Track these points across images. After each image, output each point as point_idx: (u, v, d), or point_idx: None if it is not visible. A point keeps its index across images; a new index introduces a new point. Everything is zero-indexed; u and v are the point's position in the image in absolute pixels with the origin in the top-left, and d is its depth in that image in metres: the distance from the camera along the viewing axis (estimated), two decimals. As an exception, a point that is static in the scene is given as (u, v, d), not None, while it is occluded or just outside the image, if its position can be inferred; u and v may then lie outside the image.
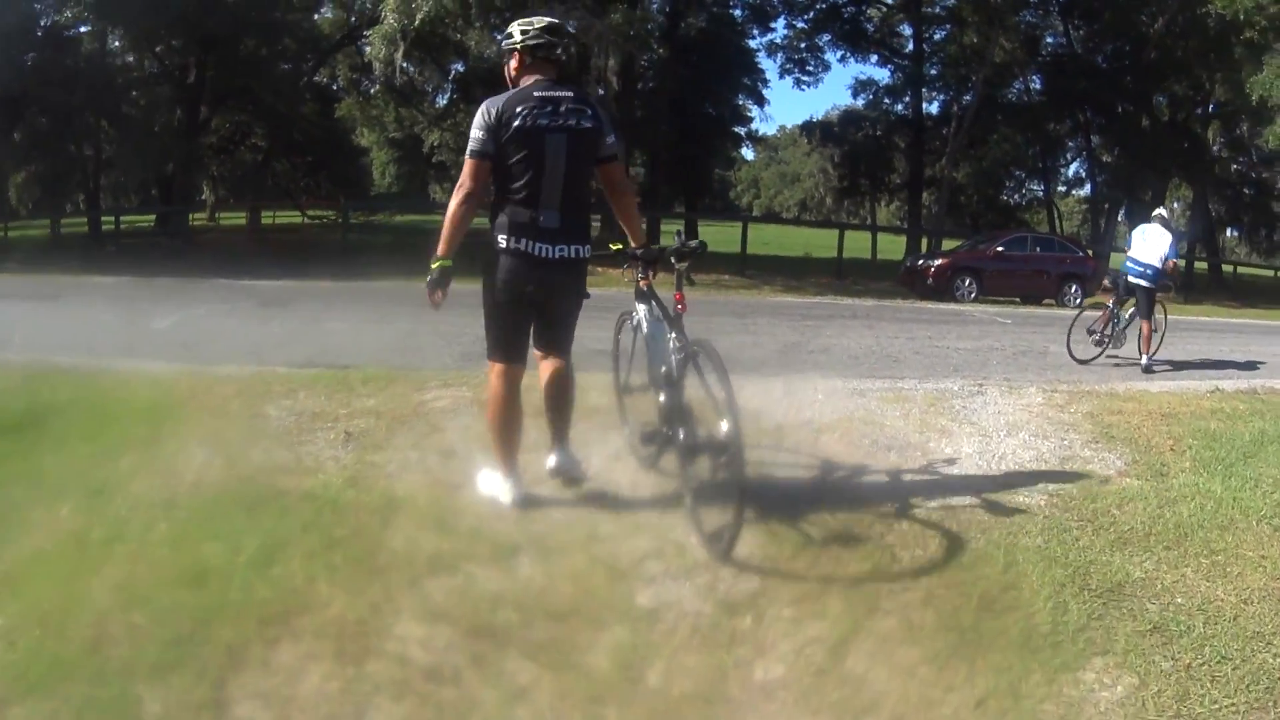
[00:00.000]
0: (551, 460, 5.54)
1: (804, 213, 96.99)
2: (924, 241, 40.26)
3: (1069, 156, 54.45)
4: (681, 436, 5.10)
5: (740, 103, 51.71)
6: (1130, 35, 43.07)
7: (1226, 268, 47.93)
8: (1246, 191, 50.44)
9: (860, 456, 7.02)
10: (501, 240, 5.06)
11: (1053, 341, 14.48)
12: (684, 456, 5.13)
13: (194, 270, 24.26)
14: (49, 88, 34.23)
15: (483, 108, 5.01)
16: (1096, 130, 48.39)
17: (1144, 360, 13.32)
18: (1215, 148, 47.58)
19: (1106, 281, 14.53)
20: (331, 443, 6.71)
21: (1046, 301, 27.54)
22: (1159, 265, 13.48)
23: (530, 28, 5.13)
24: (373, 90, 51.27)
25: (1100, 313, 13.92)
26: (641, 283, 5.74)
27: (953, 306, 23.65)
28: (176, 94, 40.40)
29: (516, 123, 4.91)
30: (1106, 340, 13.68)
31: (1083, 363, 13.09)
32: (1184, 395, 9.64)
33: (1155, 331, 13.76)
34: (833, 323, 16.47)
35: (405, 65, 39.27)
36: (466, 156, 5.03)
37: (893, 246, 41.05)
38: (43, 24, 36.95)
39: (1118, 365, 13.27)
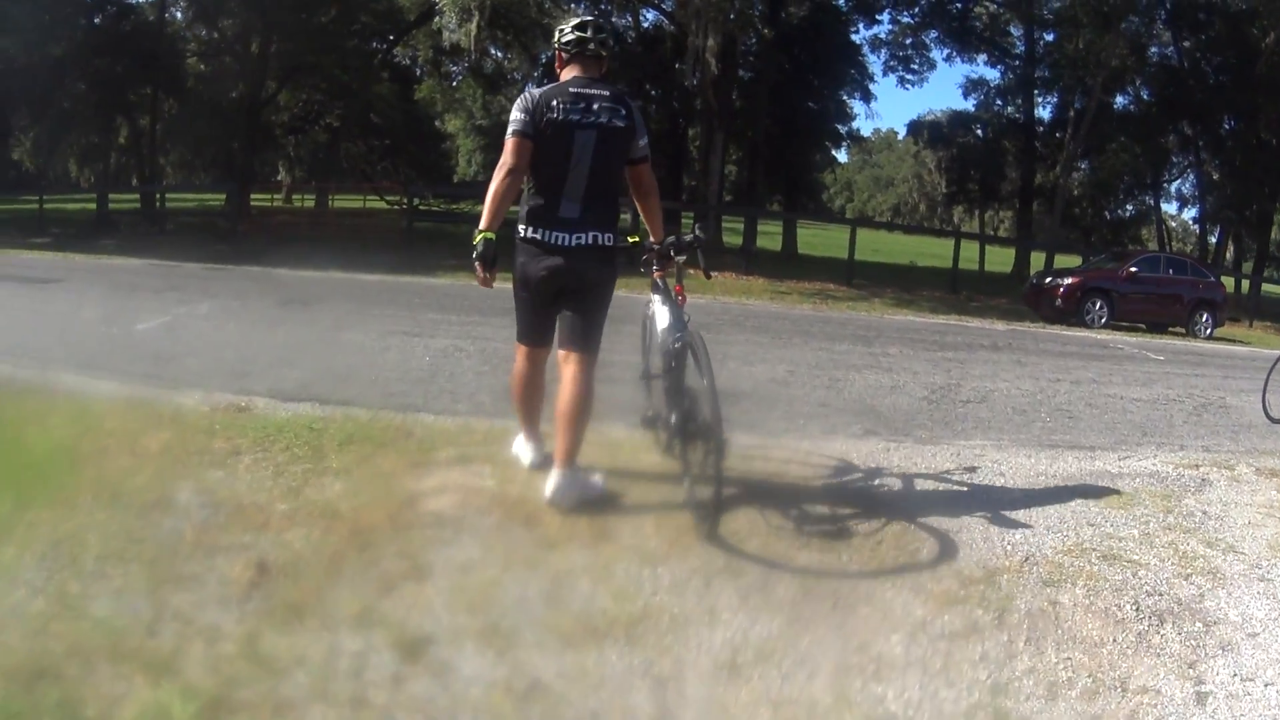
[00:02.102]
0: (550, 484, 5.08)
1: (896, 218, 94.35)
2: (1034, 256, 37.30)
3: (1173, 172, 50.89)
4: (674, 420, 5.27)
5: (843, 98, 48.54)
6: (1240, 48, 40.02)
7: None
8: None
9: (1129, 642, 4.30)
10: (522, 229, 5.17)
11: (1223, 390, 12.10)
12: (681, 440, 5.27)
13: (234, 256, 22.26)
14: (95, 54, 32.20)
15: (524, 93, 5.20)
16: (1204, 146, 45.19)
17: None
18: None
19: None
20: (228, 586, 4.05)
21: (1174, 330, 24.68)
22: None
23: (566, 27, 5.28)
24: (459, 76, 49.54)
25: None
26: (656, 274, 5.84)
27: (1090, 334, 20.75)
28: (239, 67, 37.98)
29: (550, 115, 5.01)
30: None
31: (1276, 422, 10.31)
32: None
33: None
34: (975, 356, 13.61)
35: (490, 48, 37.88)
36: (508, 136, 5.09)
37: (997, 258, 38.55)
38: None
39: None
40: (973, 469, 6.57)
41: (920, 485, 6.03)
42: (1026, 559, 4.98)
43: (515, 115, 5.09)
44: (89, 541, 4.34)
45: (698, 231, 5.81)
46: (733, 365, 9.91)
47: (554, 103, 5.04)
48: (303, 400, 7.07)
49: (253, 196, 35.88)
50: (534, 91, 5.17)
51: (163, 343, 9.97)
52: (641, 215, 5.75)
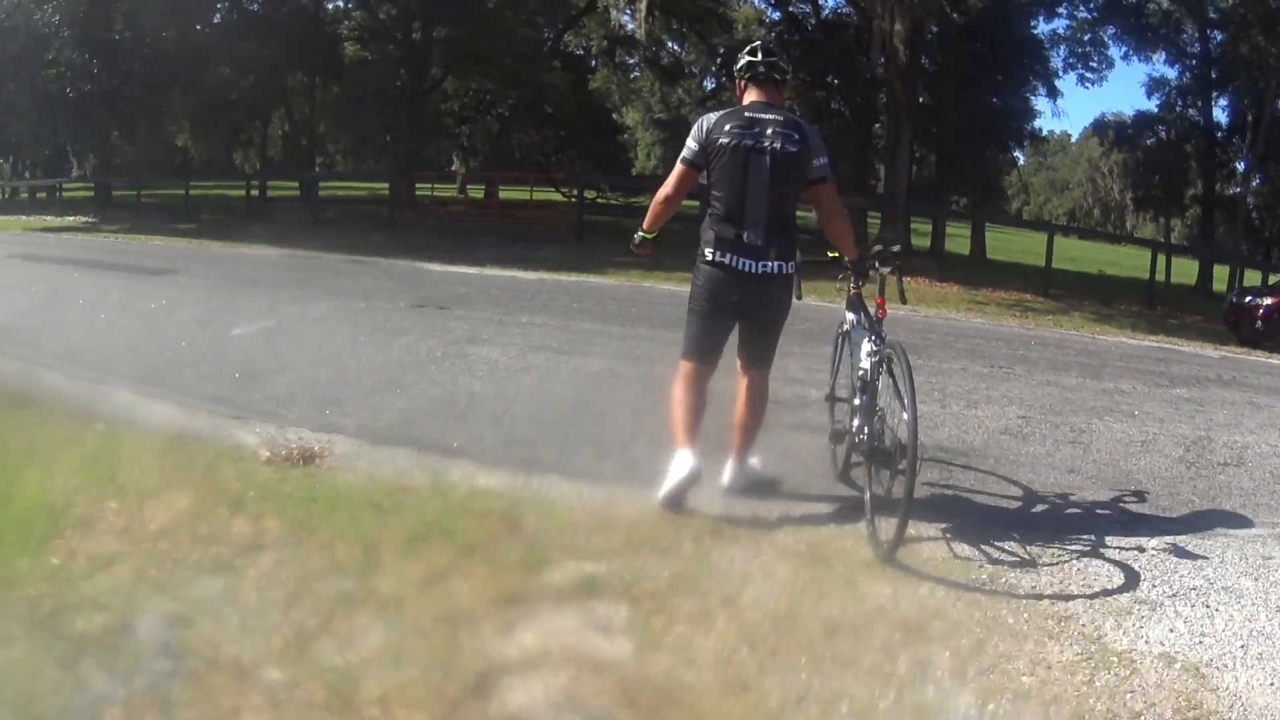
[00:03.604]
0: (726, 475, 5.31)
1: (1072, 223, 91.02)
2: (1215, 268, 34.83)
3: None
4: (865, 438, 4.99)
5: (1027, 95, 45.75)
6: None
7: None
8: None
9: None
10: (707, 253, 5.17)
11: None
12: (868, 458, 4.99)
13: (386, 247, 20.80)
14: (240, 38, 32.05)
15: (699, 121, 5.32)
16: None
17: None
18: None
19: None
20: None
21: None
22: None
23: (743, 54, 5.41)
24: (635, 68, 48.22)
25: None
26: (852, 291, 5.63)
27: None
28: (400, 53, 36.96)
29: (722, 140, 5.10)
30: None
31: None
32: None
33: None
34: (1209, 394, 11.22)
35: (665, 39, 36.71)
36: (678, 161, 5.28)
37: (1175, 268, 36.21)
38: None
39: None
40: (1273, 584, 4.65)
41: (1233, 630, 4.00)
42: None
43: (688, 143, 5.23)
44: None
45: (896, 250, 5.60)
46: (955, 407, 7.88)
47: (727, 127, 5.12)
48: (397, 444, 5.70)
49: (422, 186, 34.89)
50: (709, 117, 5.30)
51: (254, 353, 8.48)
52: (829, 235, 5.65)
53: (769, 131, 5.10)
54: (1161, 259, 29.97)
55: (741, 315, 5.25)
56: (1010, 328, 16.57)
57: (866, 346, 5.11)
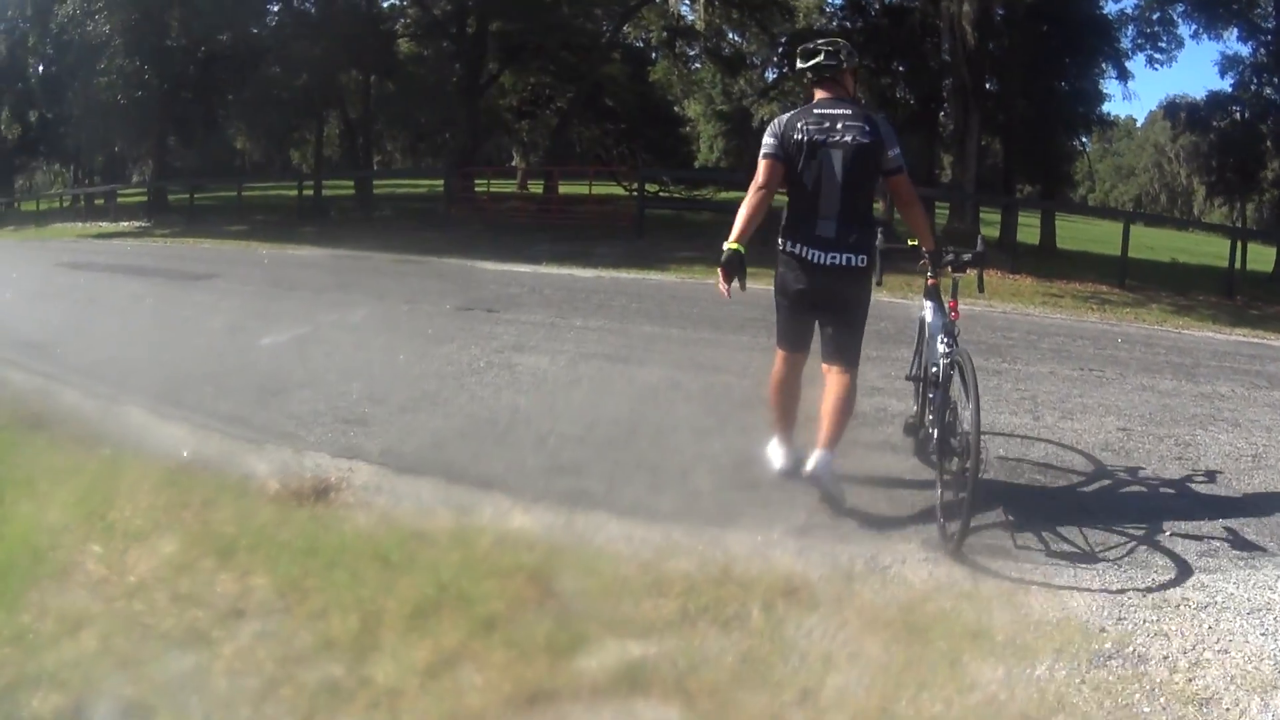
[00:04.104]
0: (810, 463, 5.04)
1: (1138, 209, 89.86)
2: None
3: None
4: (935, 434, 5.13)
5: (1096, 79, 44.80)
6: None
7: None
8: None
9: None
10: (781, 243, 5.30)
11: None
12: (937, 452, 5.15)
13: (439, 246, 20.21)
14: (293, 38, 32.03)
15: (772, 122, 5.47)
16: None
17: None
18: None
19: None
20: None
21: None
22: None
23: (803, 55, 5.50)
24: (697, 61, 47.63)
25: None
26: (929, 282, 5.66)
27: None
28: (455, 48, 36.46)
29: (796, 137, 5.21)
30: None
31: None
32: None
33: None
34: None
35: (725, 29, 36.40)
36: (760, 159, 5.34)
37: (1252, 256, 35.42)
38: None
39: None
40: None
41: None
42: None
43: (765, 139, 5.30)
44: None
45: (980, 248, 5.69)
46: (1050, 419, 7.15)
47: (799, 124, 5.22)
48: (424, 473, 5.22)
49: (480, 182, 34.60)
50: (781, 117, 5.44)
51: (282, 365, 8.00)
52: (907, 224, 5.76)
53: (839, 126, 5.19)
54: (1220, 244, 29.22)
55: (816, 307, 5.30)
56: (1092, 323, 15.81)
57: (940, 347, 5.19)
